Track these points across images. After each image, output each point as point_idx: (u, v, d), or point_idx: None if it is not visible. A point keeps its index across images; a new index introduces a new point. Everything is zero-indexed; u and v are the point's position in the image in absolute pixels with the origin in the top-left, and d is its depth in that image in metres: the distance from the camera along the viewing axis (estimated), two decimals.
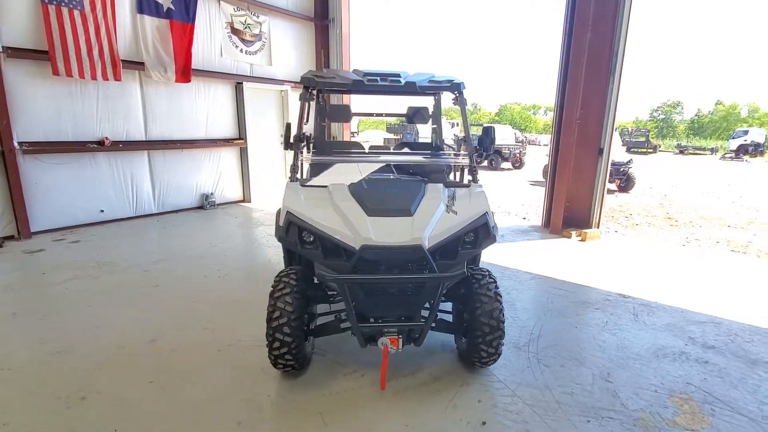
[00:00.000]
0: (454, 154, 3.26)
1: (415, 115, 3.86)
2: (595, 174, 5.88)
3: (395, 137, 23.08)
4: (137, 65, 6.10)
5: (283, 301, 2.33)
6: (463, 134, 2.96)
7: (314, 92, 3.22)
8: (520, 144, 18.74)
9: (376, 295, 2.25)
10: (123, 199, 6.38)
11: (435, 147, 3.90)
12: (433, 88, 3.01)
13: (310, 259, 2.31)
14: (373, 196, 2.40)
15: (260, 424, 2.15)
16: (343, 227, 2.24)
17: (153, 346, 2.88)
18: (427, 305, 2.40)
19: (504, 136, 17.47)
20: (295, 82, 8.74)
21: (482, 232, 2.38)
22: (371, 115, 4.51)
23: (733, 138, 26.51)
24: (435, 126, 3.94)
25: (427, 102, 3.95)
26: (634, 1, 5.29)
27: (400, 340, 2.25)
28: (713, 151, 29.20)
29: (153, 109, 6.54)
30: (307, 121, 3.06)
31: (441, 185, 2.65)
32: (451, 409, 2.28)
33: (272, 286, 2.43)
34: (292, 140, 2.81)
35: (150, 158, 6.66)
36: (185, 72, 6.50)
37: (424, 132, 17.19)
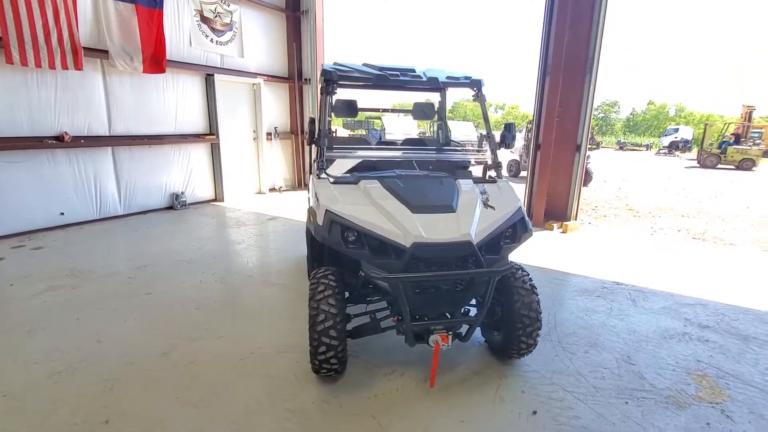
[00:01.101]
0: (476, 150, 3.29)
1: (421, 111, 3.86)
2: (572, 169, 6.20)
3: (353, 133, 22.99)
4: (100, 53, 5.58)
5: (327, 303, 2.24)
6: (484, 131, 3.00)
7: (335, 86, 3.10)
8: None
9: (425, 293, 2.23)
10: (85, 201, 5.83)
11: (443, 143, 3.91)
12: (454, 84, 3.02)
13: (357, 258, 2.24)
14: (413, 193, 2.37)
15: None
16: (390, 225, 2.19)
17: (167, 359, 2.66)
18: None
19: (466, 133, 17.80)
20: (268, 75, 8.44)
21: (520, 226, 2.43)
22: (377, 110, 4.44)
23: (665, 135, 29.07)
24: (440, 122, 3.96)
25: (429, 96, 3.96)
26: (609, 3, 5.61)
27: (450, 337, 2.24)
28: (648, 147, 31.85)
29: (117, 102, 6.02)
30: (319, 115, 2.95)
31: (471, 181, 2.67)
32: (499, 402, 2.32)
33: (311, 289, 2.33)
34: (317, 135, 2.71)
35: (115, 155, 6.13)
36: (155, 61, 6.04)
37: (390, 127, 17.19)
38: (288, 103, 9.21)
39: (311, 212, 2.50)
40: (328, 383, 2.43)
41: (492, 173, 2.91)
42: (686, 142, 27.35)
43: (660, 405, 2.32)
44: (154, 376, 2.49)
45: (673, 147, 27.12)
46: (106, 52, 5.59)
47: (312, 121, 2.75)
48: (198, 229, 5.87)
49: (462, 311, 2.35)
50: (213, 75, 7.28)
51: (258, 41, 8.22)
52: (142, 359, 2.65)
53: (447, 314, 2.31)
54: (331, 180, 2.56)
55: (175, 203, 7.02)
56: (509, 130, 2.94)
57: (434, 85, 2.98)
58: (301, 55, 8.94)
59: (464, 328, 2.41)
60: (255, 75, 8.14)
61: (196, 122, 7.31)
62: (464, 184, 2.57)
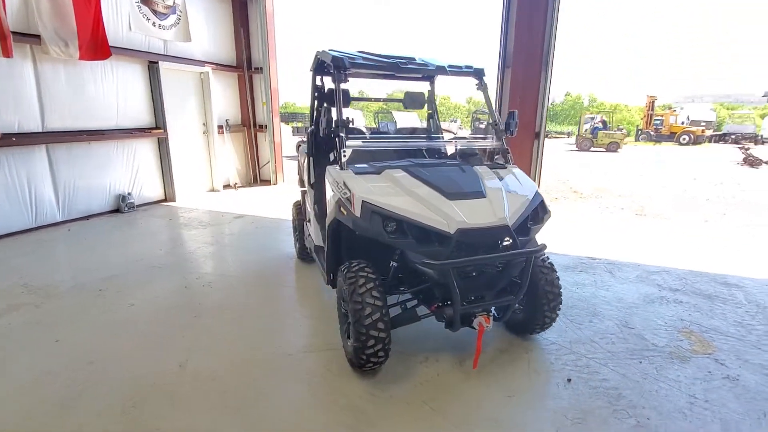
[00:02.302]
0: (482, 138, 3.38)
1: (411, 101, 3.87)
2: (532, 154, 6.61)
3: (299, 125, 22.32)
4: (30, 39, 4.83)
5: (371, 296, 2.20)
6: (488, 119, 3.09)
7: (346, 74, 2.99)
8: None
9: (468, 277, 2.28)
10: (19, 207, 5.07)
11: (434, 131, 3.96)
12: (460, 73, 3.07)
13: (401, 248, 2.22)
14: (443, 181, 2.40)
15: (376, 424, 2.03)
16: (431, 213, 2.20)
17: (185, 372, 2.44)
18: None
19: (411, 124, 17.98)
20: (217, 64, 7.89)
21: (541, 208, 2.57)
22: (369, 100, 4.35)
23: (585, 123, 31.92)
24: (430, 111, 4.00)
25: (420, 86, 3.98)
26: None
27: (491, 318, 2.32)
28: (568, 134, 34.80)
29: (51, 94, 5.27)
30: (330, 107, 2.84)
31: (487, 167, 2.76)
32: (535, 375, 2.45)
33: (350, 283, 2.26)
34: (334, 125, 2.61)
35: (50, 154, 5.38)
36: (94, 47, 5.36)
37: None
38: (238, 93, 8.70)
39: (340, 204, 2.42)
40: (369, 377, 2.40)
41: (500, 159, 3.02)
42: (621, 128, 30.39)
43: (667, 361, 2.61)
44: (178, 390, 2.27)
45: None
46: (38, 37, 4.85)
47: (328, 110, 2.64)
48: (158, 233, 5.38)
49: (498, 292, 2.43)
50: (157, 63, 6.64)
51: (204, 27, 7.64)
52: (157, 375, 2.40)
53: (484, 296, 2.39)
54: (354, 171, 2.50)
55: (122, 205, 6.35)
56: (513, 117, 3.06)
57: (442, 73, 3.01)
58: (250, 43, 8.47)
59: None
60: (203, 63, 7.56)
61: (141, 115, 6.64)
62: (483, 171, 2.65)
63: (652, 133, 27.52)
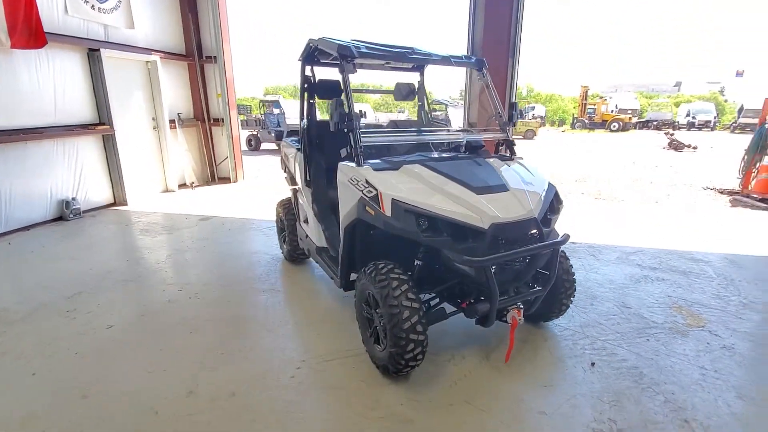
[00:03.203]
0: (483, 130, 3.35)
1: (403, 93, 3.77)
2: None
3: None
4: None
5: (407, 299, 2.12)
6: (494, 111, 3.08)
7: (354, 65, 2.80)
8: None
9: (502, 272, 2.26)
10: None
11: (426, 124, 3.89)
12: (462, 64, 3.02)
13: (437, 247, 2.14)
14: (466, 175, 2.35)
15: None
16: (463, 209, 2.14)
17: (198, 397, 2.21)
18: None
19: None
20: (165, 52, 7.23)
21: (555, 199, 2.61)
22: (360, 91, 4.16)
23: (526, 112, 33.61)
24: (420, 103, 3.93)
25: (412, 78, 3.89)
26: None
27: (522, 311, 2.32)
28: None
29: None
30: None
31: (498, 160, 2.76)
32: (560, 362, 2.51)
33: (381, 286, 2.16)
34: (347, 119, 2.45)
35: None
36: (29, 34, 4.67)
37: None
38: (189, 84, 8.06)
39: (364, 204, 2.29)
40: (402, 383, 2.31)
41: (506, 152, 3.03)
42: (542, 117, 32.11)
43: (670, 336, 2.79)
44: (198, 418, 2.05)
45: None
46: None
47: (341, 103, 2.47)
48: (116, 241, 4.86)
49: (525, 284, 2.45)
50: (98, 51, 5.93)
51: (149, 11, 6.94)
52: (166, 405, 2.15)
53: (517, 290, 2.39)
54: (373, 168, 2.38)
55: (66, 212, 5.66)
56: (515, 108, 3.08)
57: (447, 63, 2.95)
58: (200, 29, 7.84)
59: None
60: (149, 51, 6.88)
61: (83, 110, 5.92)
62: (497, 164, 2.64)
63: (586, 121, 29.56)
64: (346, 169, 2.50)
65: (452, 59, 2.96)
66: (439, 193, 2.21)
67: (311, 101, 3.37)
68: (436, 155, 2.77)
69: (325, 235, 3.10)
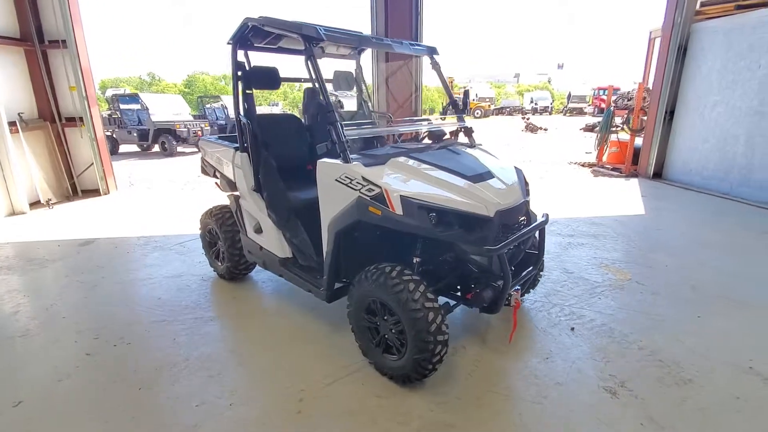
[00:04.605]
0: (441, 118, 3.31)
1: (341, 81, 3.54)
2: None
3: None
4: None
5: (428, 299, 2.01)
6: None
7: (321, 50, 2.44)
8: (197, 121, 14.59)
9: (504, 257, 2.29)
10: None
11: (367, 114, 3.71)
12: (419, 51, 2.96)
13: (453, 241, 2.05)
14: (456, 165, 2.32)
15: (470, 429, 1.89)
16: (468, 199, 2.10)
17: None
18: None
19: (179, 110, 14.59)
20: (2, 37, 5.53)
21: (526, 182, 2.75)
22: (299, 80, 3.69)
23: None
24: (359, 92, 3.73)
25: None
26: None
27: (520, 292, 2.41)
28: None
29: None
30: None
31: (467, 147, 2.80)
32: (544, 333, 2.68)
33: (397, 291, 2.00)
34: (327, 111, 2.17)
35: None
36: None
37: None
38: (29, 76, 6.35)
39: (366, 204, 2.07)
40: (419, 388, 2.20)
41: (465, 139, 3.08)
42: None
43: (613, 292, 3.22)
44: None
45: None
46: None
47: (316, 93, 2.17)
48: None
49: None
50: None
51: None
52: None
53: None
54: (365, 164, 2.18)
55: None
56: (467, 96, 3.16)
57: (407, 50, 2.84)
58: (38, 6, 6.20)
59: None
60: None
61: None
62: (472, 152, 2.67)
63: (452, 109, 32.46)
64: (330, 166, 2.23)
65: (411, 46, 2.87)
66: (440, 185, 2.13)
67: (248, 92, 2.92)
68: (415, 146, 2.67)
69: (292, 243, 2.75)
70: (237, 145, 3.06)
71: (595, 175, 8.16)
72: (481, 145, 3.00)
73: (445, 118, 3.21)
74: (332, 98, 2.29)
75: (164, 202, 6.55)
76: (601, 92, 29.85)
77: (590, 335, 2.65)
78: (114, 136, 14.09)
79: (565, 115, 33.67)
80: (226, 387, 2.23)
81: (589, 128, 18.23)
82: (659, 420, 1.95)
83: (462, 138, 3.16)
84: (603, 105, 28.66)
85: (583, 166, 9.24)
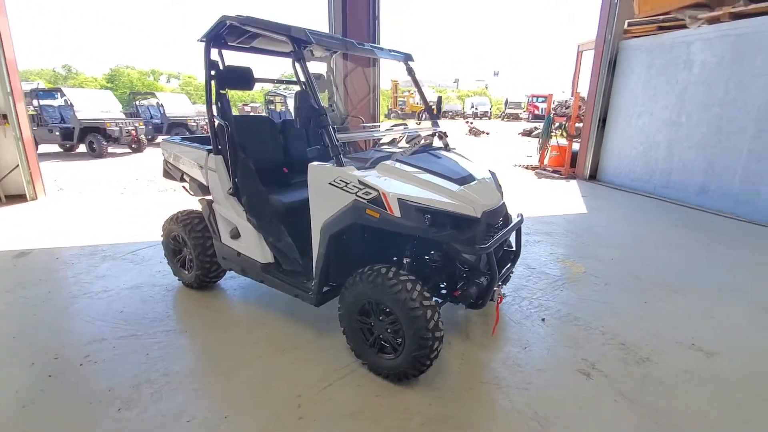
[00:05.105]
0: (416, 122, 3.39)
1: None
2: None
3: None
4: None
5: (424, 297, 2.09)
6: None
7: (310, 52, 2.40)
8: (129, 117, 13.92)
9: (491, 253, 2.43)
10: None
11: (344, 114, 3.73)
12: (397, 57, 3.05)
13: (447, 241, 2.15)
14: (441, 168, 2.44)
15: (473, 422, 2.00)
16: (458, 200, 2.22)
17: None
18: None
19: (108, 107, 13.34)
20: None
21: (500, 184, 2.94)
22: (272, 81, 3.55)
23: None
24: (331, 95, 3.73)
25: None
26: None
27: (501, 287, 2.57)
28: None
29: None
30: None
31: (445, 151, 2.93)
32: (521, 325, 2.88)
33: (394, 291, 2.06)
34: (318, 114, 2.18)
35: None
36: None
37: None
38: None
39: (359, 205, 2.10)
40: (414, 384, 2.27)
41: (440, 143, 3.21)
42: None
43: (572, 284, 3.52)
44: None
45: None
46: None
47: (307, 96, 2.16)
48: None
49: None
50: None
51: None
52: None
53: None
54: (363, 167, 2.23)
55: None
56: (440, 102, 3.30)
57: (385, 55, 2.92)
58: None
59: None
60: None
61: None
62: (451, 155, 2.81)
63: (399, 112, 33.06)
64: (323, 170, 2.24)
65: (391, 53, 2.96)
66: (430, 188, 2.23)
67: (222, 91, 2.83)
68: (399, 149, 2.74)
69: (275, 248, 2.70)
70: (209, 147, 2.95)
71: (538, 177, 8.78)
72: (455, 148, 3.15)
73: (420, 122, 3.31)
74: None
75: (103, 208, 6.04)
76: (535, 99, 32.10)
77: (559, 324, 2.89)
78: (32, 135, 12.64)
79: (503, 120, 35.66)
80: (217, 400, 2.15)
81: (527, 133, 19.50)
82: (629, 395, 2.20)
83: (437, 142, 3.29)
84: (536, 111, 30.93)
85: (526, 168, 9.88)
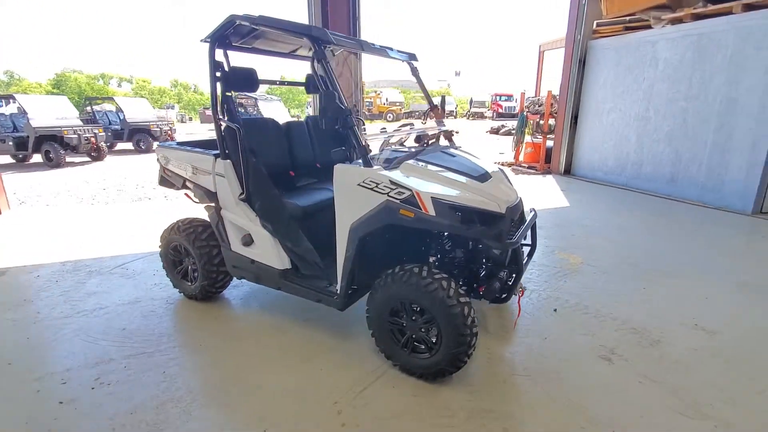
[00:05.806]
0: (422, 122, 3.39)
1: (312, 85, 3.47)
2: None
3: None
4: None
5: (460, 294, 2.11)
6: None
7: (330, 51, 2.34)
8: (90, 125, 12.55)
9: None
10: None
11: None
12: (401, 58, 3.06)
13: (478, 238, 2.18)
14: (459, 166, 2.47)
15: (515, 412, 2.03)
16: (484, 198, 2.26)
17: None
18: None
19: (64, 113, 12.26)
20: None
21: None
22: (274, 82, 3.43)
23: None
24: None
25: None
26: None
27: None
28: None
29: None
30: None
31: (456, 149, 2.97)
32: (537, 316, 2.97)
33: (431, 290, 2.07)
34: (345, 115, 2.15)
35: None
36: None
37: None
38: None
39: (392, 205, 2.10)
40: (448, 382, 2.28)
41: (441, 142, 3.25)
42: None
43: (574, 274, 3.66)
44: None
45: None
46: None
47: (332, 97, 2.13)
48: None
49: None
50: None
51: None
52: None
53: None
54: (388, 167, 2.23)
55: None
56: (444, 101, 3.33)
57: (395, 56, 2.93)
58: None
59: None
60: None
61: None
62: (464, 153, 2.85)
63: (366, 112, 33.05)
64: (351, 171, 2.22)
65: (399, 52, 2.98)
66: (456, 185, 2.25)
67: (227, 93, 2.74)
68: (415, 149, 2.74)
69: (293, 253, 2.64)
70: (215, 152, 2.85)
71: (515, 173, 9.04)
72: (460, 147, 3.19)
73: (426, 121, 3.34)
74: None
75: (76, 220, 5.67)
76: (499, 98, 33.02)
77: (571, 314, 3.00)
78: None
79: (468, 119, 36.42)
80: (252, 413, 2.08)
81: (495, 131, 20.01)
82: (651, 376, 2.31)
83: (443, 141, 3.32)
84: (501, 110, 31.82)
85: (502, 165, 10.15)
